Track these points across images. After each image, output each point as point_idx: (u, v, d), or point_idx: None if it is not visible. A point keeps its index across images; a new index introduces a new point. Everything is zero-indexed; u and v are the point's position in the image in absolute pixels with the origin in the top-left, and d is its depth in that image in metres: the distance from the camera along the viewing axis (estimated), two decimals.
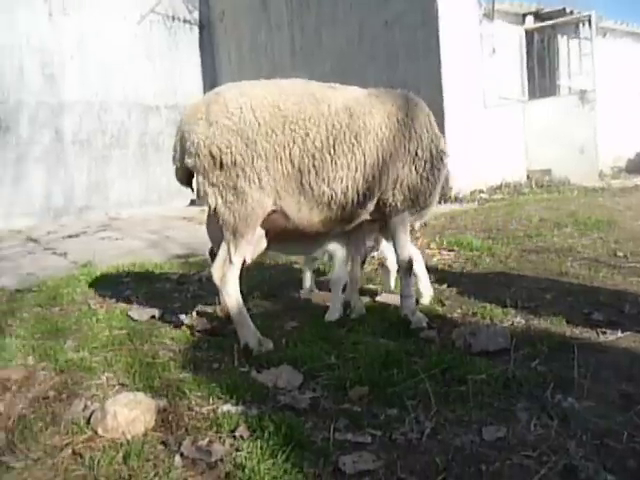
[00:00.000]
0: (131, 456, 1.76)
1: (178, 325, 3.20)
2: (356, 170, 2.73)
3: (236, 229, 2.65)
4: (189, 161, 2.63)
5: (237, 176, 2.58)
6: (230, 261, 2.69)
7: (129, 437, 1.88)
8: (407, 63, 9.34)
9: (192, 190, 2.72)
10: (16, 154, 11.78)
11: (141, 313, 3.44)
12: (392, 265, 3.44)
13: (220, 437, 1.91)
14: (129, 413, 1.92)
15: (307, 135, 2.63)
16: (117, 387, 2.39)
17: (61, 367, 2.58)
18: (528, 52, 10.28)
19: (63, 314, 3.64)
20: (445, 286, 3.74)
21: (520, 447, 1.78)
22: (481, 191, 9.25)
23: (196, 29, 14.28)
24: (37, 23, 11.92)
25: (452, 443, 1.83)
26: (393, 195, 2.86)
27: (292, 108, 2.64)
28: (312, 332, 2.94)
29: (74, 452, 1.82)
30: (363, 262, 3.28)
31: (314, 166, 2.66)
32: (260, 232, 2.83)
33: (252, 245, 2.78)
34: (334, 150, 2.67)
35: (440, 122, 10.25)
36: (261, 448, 1.79)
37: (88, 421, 1.99)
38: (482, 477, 1.64)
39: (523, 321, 2.98)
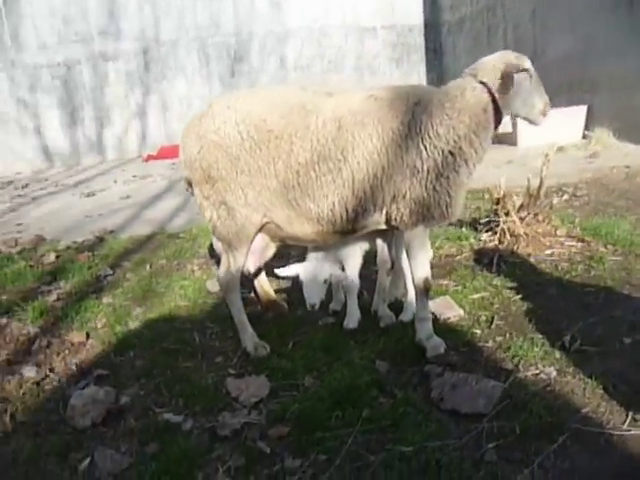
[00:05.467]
0: None
1: None
2: (343, 186, 2.49)
3: (230, 243, 2.71)
4: (185, 173, 2.73)
5: (225, 191, 2.60)
6: (229, 271, 2.78)
7: None
8: None
9: None
10: (248, 82, 13.17)
11: (214, 284, 3.82)
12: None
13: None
14: None
15: (291, 150, 2.48)
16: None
17: (104, 340, 3.15)
18: None
19: (169, 271, 4.28)
20: (519, 297, 3.19)
21: None
22: None
23: None
24: None
25: None
26: (397, 210, 2.52)
27: (279, 122, 2.50)
28: (321, 339, 2.93)
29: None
30: (390, 269, 3.02)
31: (298, 183, 2.51)
32: (265, 241, 2.85)
33: (256, 255, 2.85)
34: (318, 167, 2.47)
35: None
36: None
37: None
38: None
39: (555, 373, 2.44)
